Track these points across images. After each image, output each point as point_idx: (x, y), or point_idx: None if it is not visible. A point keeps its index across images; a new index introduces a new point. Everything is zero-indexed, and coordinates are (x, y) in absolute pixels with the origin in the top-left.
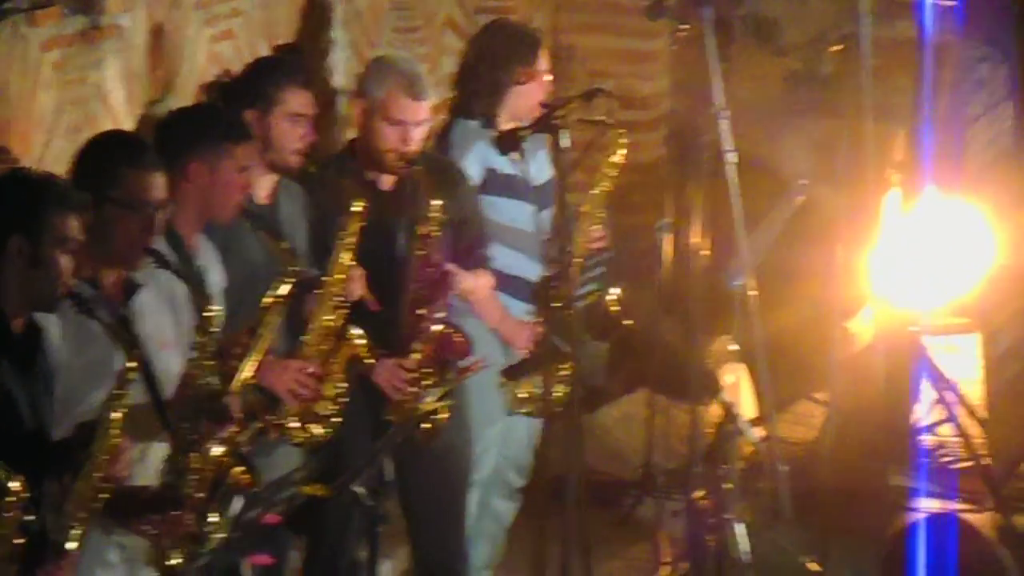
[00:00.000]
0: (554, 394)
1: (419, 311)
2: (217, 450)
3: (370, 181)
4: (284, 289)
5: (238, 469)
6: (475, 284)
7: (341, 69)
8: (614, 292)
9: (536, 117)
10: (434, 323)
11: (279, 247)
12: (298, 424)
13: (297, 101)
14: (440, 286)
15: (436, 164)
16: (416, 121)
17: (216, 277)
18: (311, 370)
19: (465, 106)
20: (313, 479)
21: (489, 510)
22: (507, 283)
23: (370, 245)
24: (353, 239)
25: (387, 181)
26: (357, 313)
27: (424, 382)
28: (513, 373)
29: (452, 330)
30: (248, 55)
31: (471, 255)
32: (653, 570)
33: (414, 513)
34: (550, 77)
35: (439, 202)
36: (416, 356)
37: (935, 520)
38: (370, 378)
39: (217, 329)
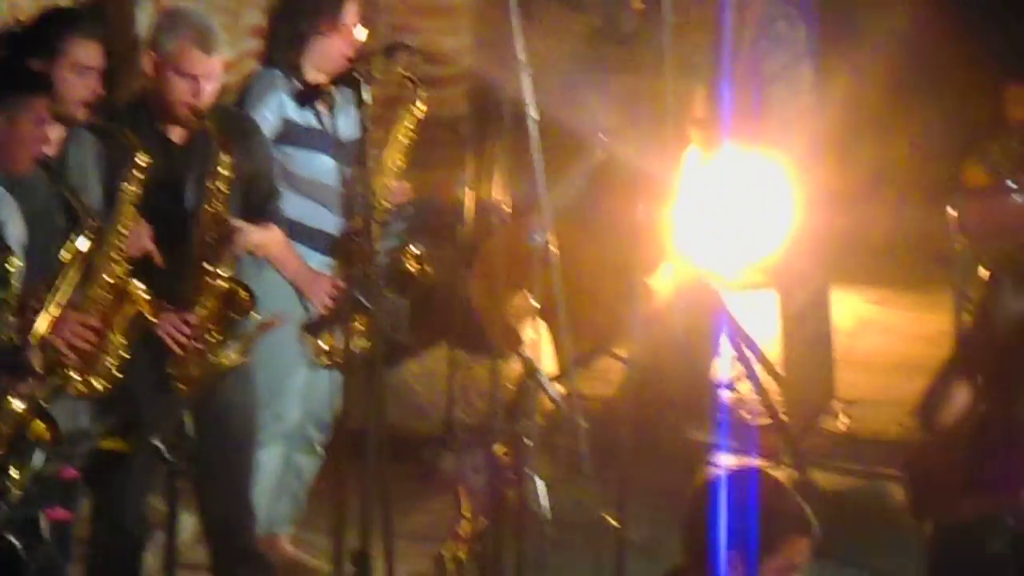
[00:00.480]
0: (355, 349)
1: (205, 266)
2: (17, 404)
3: (160, 134)
4: (82, 243)
5: (38, 423)
6: (265, 238)
7: (145, 21)
8: (415, 247)
9: (340, 71)
10: (219, 279)
11: (76, 200)
12: (79, 377)
13: (83, 52)
14: (227, 241)
15: (228, 117)
16: (207, 75)
17: (16, 230)
18: (90, 323)
19: (269, 55)
20: (108, 433)
21: (291, 466)
22: (306, 235)
23: (158, 199)
24: (138, 192)
25: (177, 134)
26: (142, 267)
27: (208, 337)
28: (313, 327)
29: (237, 286)
30: (50, 6)
31: (262, 209)
32: (453, 524)
33: (200, 469)
34: (361, 31)
35: (229, 157)
36: (200, 311)
37: (735, 475)
38: (154, 332)
39: (17, 283)
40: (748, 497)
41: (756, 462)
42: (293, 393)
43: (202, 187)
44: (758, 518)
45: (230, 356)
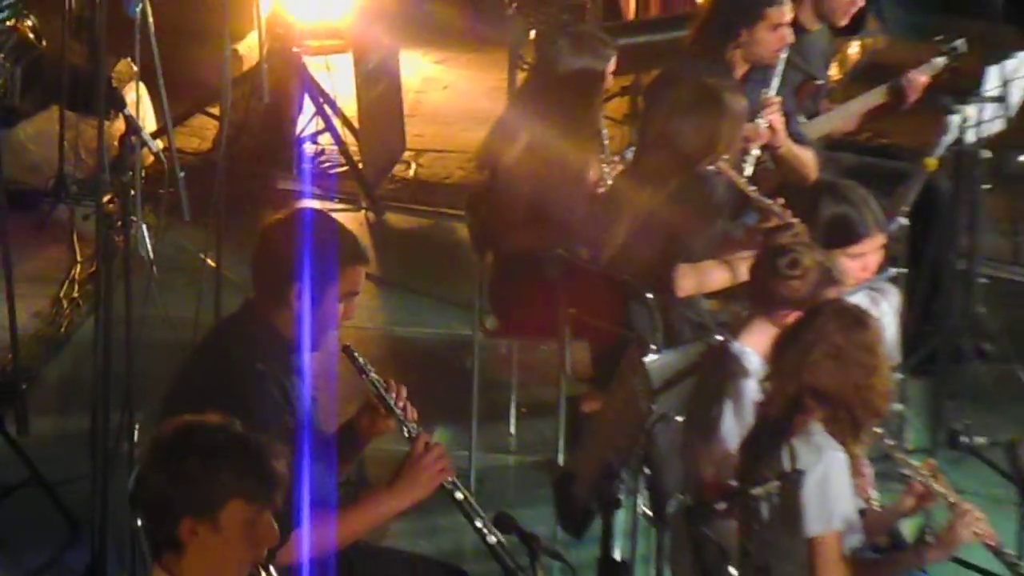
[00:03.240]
0: None
1: None
2: None
3: None
4: None
5: None
6: None
7: None
8: (27, 18)
9: None
10: None
11: None
12: None
13: None
14: None
15: None
16: None
17: None
18: None
19: None
20: None
21: None
22: None
23: None
24: None
25: None
26: None
27: None
28: None
29: None
30: None
31: None
32: (69, 267)
33: None
34: None
35: None
36: None
37: (291, 217)
38: None
39: None
40: (306, 234)
41: (336, 206)
42: None
43: None
44: (317, 252)
45: None
